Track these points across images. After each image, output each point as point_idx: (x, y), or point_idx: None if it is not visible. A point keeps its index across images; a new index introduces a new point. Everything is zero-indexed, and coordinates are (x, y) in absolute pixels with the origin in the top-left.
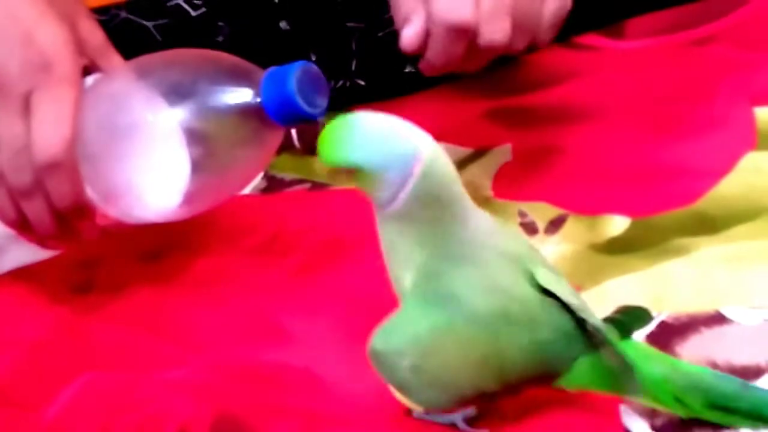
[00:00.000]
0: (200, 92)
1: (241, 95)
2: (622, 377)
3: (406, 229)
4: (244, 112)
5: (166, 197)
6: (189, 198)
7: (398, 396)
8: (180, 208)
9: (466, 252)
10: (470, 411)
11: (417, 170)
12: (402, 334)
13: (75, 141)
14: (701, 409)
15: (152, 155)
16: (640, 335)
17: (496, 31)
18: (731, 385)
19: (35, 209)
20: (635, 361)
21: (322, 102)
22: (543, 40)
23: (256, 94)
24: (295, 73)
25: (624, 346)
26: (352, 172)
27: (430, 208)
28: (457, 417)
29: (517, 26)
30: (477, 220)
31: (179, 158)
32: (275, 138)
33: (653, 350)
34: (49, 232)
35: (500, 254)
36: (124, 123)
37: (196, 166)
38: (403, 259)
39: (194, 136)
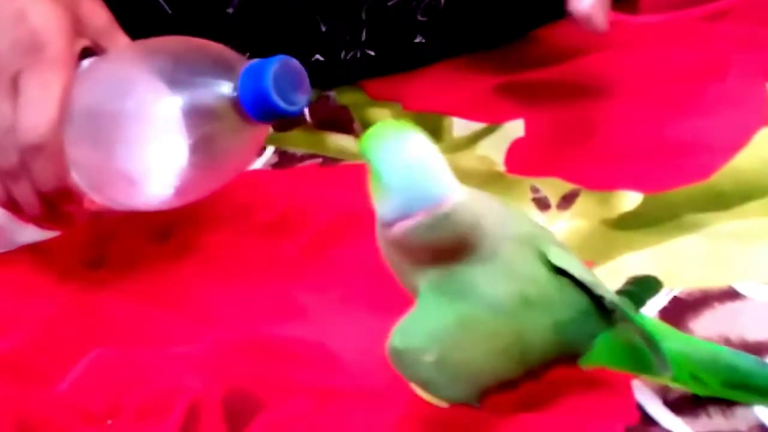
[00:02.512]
0: (186, 82)
1: (221, 88)
2: (643, 352)
3: (423, 259)
4: (225, 105)
5: (159, 186)
6: (177, 188)
7: (420, 393)
8: (168, 198)
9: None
10: None
11: (421, 218)
12: (422, 331)
13: (61, 124)
14: (718, 387)
15: (146, 143)
16: (652, 310)
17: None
18: (748, 362)
19: (22, 191)
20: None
21: (302, 98)
22: None
23: (236, 88)
24: (272, 68)
25: (640, 322)
26: (371, 170)
27: (445, 246)
28: None
29: None
30: (484, 205)
31: (172, 147)
32: (260, 131)
33: (667, 327)
34: (36, 213)
35: (512, 238)
36: (118, 108)
37: (186, 156)
38: (410, 272)
39: (184, 126)
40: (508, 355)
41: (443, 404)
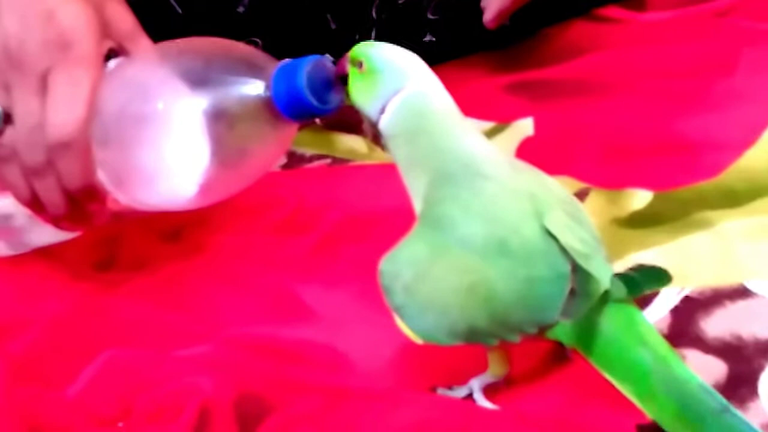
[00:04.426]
0: (215, 82)
1: (254, 88)
2: (616, 348)
3: (408, 156)
4: (257, 105)
5: (182, 186)
6: (202, 188)
7: (401, 325)
8: (193, 198)
9: (466, 182)
10: (487, 377)
11: (402, 94)
12: (400, 256)
13: (89, 122)
14: (668, 416)
15: (170, 143)
16: (663, 310)
17: None
18: (711, 404)
19: (47, 188)
20: (624, 340)
21: (335, 97)
22: None
23: (268, 88)
24: (305, 67)
25: (626, 319)
26: (361, 64)
27: (420, 136)
28: (475, 385)
29: None
30: (482, 153)
31: (196, 148)
32: (289, 131)
33: (656, 337)
34: (60, 212)
35: (508, 188)
36: (145, 109)
37: (213, 156)
38: (413, 187)
39: (210, 126)
40: (473, 294)
41: (418, 340)
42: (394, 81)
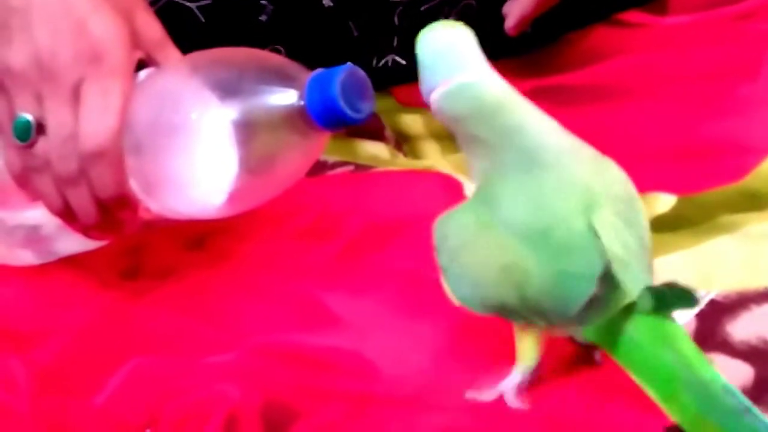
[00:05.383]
0: (248, 92)
1: (287, 97)
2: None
3: (466, 137)
4: (289, 114)
5: (211, 195)
6: (233, 197)
7: (444, 283)
8: (224, 206)
9: (523, 167)
10: (516, 377)
11: (448, 85)
12: (450, 222)
13: (121, 132)
14: (689, 418)
15: (202, 152)
16: (689, 314)
17: None
18: (733, 404)
19: (79, 198)
20: (649, 342)
21: (367, 106)
22: None
23: (301, 97)
24: (339, 77)
25: (652, 321)
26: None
27: (476, 121)
28: (506, 385)
29: None
30: (543, 140)
31: (228, 156)
32: (319, 141)
33: (683, 339)
34: (92, 221)
35: (563, 179)
36: (176, 118)
37: (242, 166)
38: (473, 165)
39: (241, 135)
40: (507, 274)
41: (456, 302)
42: (442, 71)
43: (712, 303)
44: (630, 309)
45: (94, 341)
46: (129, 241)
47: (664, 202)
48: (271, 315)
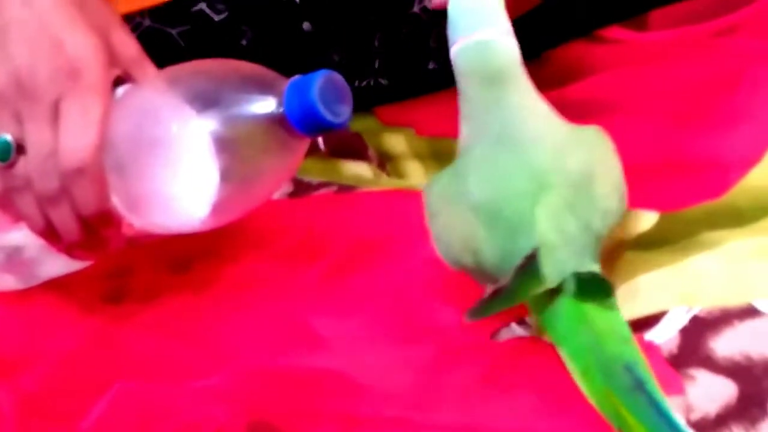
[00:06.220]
0: (226, 102)
1: (265, 105)
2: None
3: (464, 98)
4: (269, 121)
5: (194, 207)
6: (217, 208)
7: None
8: (208, 218)
9: (492, 139)
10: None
11: (468, 40)
12: (432, 186)
13: (102, 148)
14: (599, 393)
15: (182, 165)
16: (672, 330)
17: None
18: (629, 381)
19: (61, 216)
20: (570, 321)
21: (346, 110)
22: None
23: (280, 104)
24: (317, 82)
25: (578, 304)
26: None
27: (472, 87)
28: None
29: None
30: (522, 117)
31: (208, 168)
32: (300, 147)
33: (606, 321)
34: (75, 239)
35: (523, 161)
36: (155, 133)
37: (224, 177)
38: (462, 126)
39: (222, 146)
40: (465, 243)
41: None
42: (464, 27)
43: (695, 319)
44: (559, 290)
45: (79, 366)
46: (113, 264)
47: (647, 219)
48: (256, 337)
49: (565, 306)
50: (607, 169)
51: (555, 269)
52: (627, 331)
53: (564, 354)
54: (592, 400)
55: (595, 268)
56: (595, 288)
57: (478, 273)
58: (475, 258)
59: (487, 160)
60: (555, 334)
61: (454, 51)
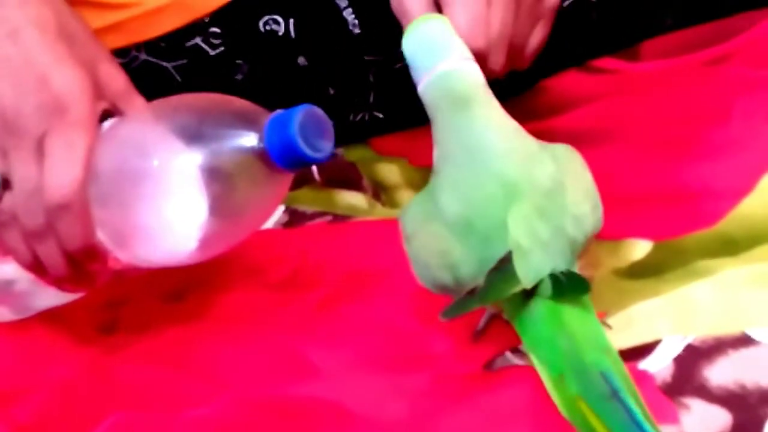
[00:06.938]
0: (211, 137)
1: (248, 140)
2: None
3: (436, 125)
4: (252, 156)
5: (182, 242)
6: (204, 242)
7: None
8: (194, 252)
9: (459, 160)
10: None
11: (430, 75)
12: (407, 211)
13: (86, 183)
14: (568, 400)
15: (170, 199)
16: (667, 359)
17: (497, 62)
18: (604, 389)
19: (48, 251)
20: (545, 324)
21: (327, 145)
22: (521, 68)
23: (261, 139)
24: (297, 117)
25: (554, 307)
26: None
27: (440, 114)
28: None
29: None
30: (488, 139)
31: (196, 201)
32: (285, 181)
33: (583, 325)
34: (62, 274)
35: (490, 176)
36: (141, 167)
37: (211, 210)
38: (434, 154)
39: (209, 180)
40: (442, 259)
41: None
42: (423, 64)
43: (690, 348)
44: (533, 293)
45: (74, 396)
46: (107, 294)
47: (641, 248)
48: (250, 366)
49: (542, 310)
50: (577, 177)
51: (529, 270)
52: (604, 338)
53: (537, 359)
54: (560, 408)
55: (573, 269)
56: (571, 285)
57: (457, 291)
58: (452, 274)
59: (458, 176)
60: (529, 339)
61: (421, 89)
